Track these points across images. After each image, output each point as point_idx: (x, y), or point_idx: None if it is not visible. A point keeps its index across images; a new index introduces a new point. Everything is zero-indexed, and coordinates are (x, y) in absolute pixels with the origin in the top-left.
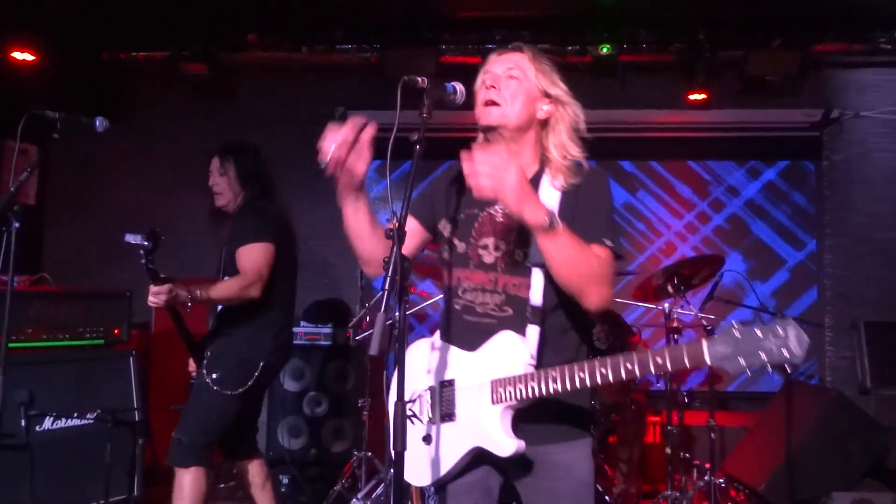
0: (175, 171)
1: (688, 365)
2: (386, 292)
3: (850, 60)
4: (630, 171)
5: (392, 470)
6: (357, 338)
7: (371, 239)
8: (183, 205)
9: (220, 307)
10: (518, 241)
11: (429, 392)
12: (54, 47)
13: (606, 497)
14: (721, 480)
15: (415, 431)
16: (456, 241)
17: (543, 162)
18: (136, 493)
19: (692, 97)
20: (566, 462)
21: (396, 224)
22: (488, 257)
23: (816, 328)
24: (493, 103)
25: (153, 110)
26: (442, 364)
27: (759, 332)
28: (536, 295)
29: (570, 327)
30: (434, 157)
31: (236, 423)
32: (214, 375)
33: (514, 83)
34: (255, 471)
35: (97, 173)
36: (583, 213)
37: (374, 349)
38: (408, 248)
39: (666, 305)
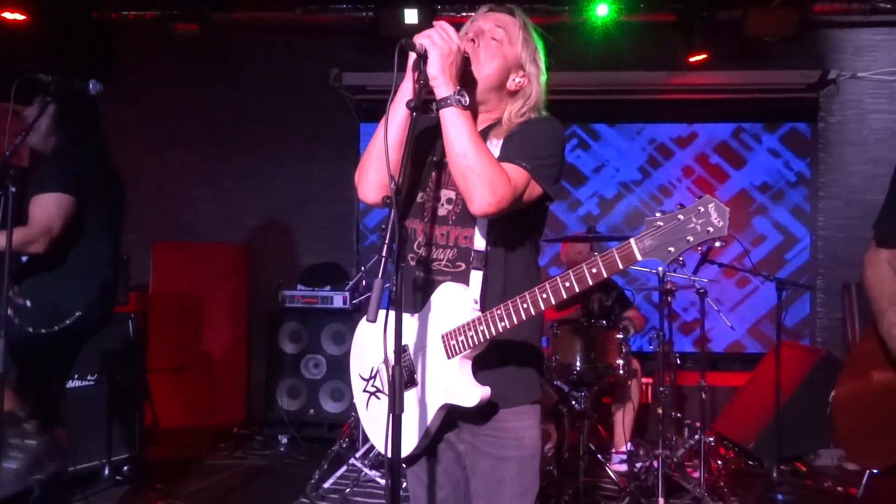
0: (168, 133)
1: (621, 266)
2: (384, 258)
3: (848, 20)
4: (634, 132)
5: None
6: (354, 301)
7: (395, 150)
8: (177, 168)
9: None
10: None
11: (384, 364)
12: (45, 7)
13: (599, 456)
14: (711, 439)
15: (381, 406)
16: (416, 191)
17: (500, 119)
18: (136, 452)
19: (693, 59)
20: (515, 429)
21: (393, 190)
22: (441, 210)
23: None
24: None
25: (145, 71)
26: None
27: (681, 217)
28: (479, 240)
29: (518, 270)
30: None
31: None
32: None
33: (494, 44)
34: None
35: None
36: (511, 143)
37: (371, 315)
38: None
39: (659, 269)
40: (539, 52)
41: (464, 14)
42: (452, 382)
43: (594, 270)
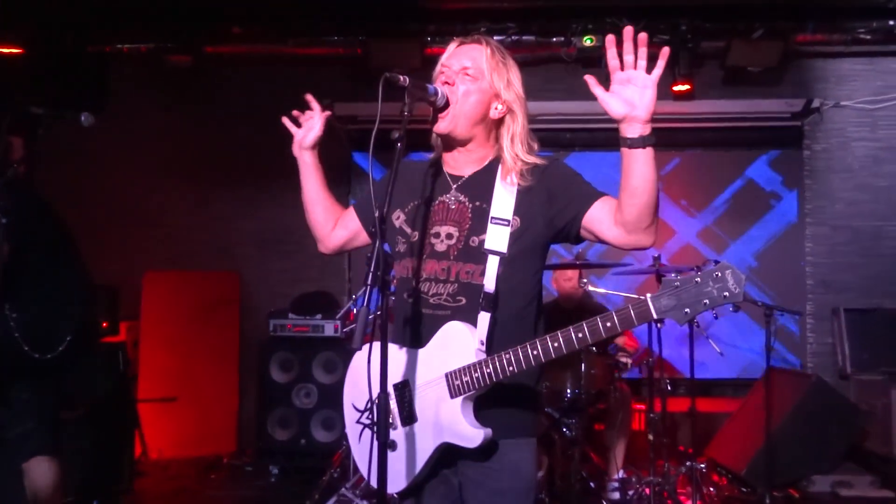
0: (161, 163)
1: (636, 323)
2: (368, 286)
3: (830, 51)
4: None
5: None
6: (345, 329)
7: (320, 205)
8: (169, 197)
9: None
10: (473, 227)
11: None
12: (40, 40)
13: (591, 483)
14: (703, 465)
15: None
16: (409, 230)
17: (498, 159)
18: (125, 484)
19: (676, 88)
20: (513, 461)
21: (378, 218)
22: (440, 246)
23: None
24: (445, 107)
25: (139, 102)
26: (395, 367)
27: (698, 280)
28: (490, 281)
29: (523, 314)
30: (418, 148)
31: None
32: None
33: (468, 80)
34: None
35: (83, 166)
36: (567, 188)
37: (356, 343)
38: (334, 240)
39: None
40: (514, 76)
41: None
42: (454, 422)
43: (608, 325)
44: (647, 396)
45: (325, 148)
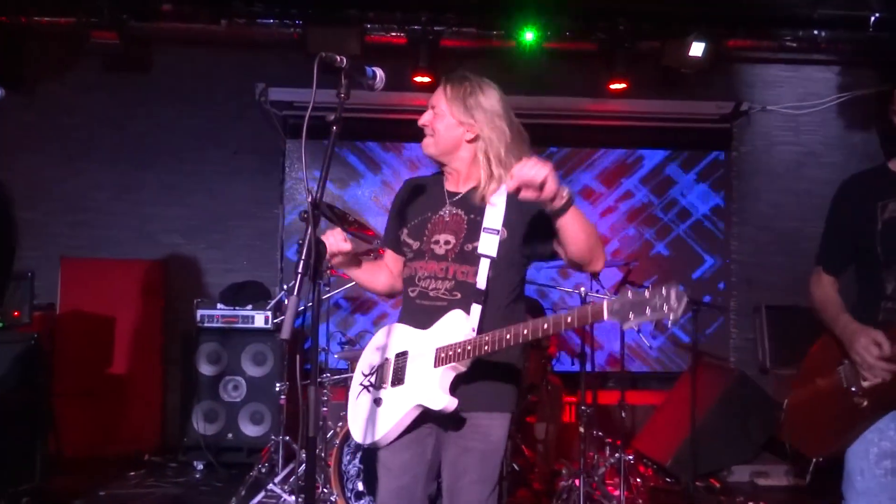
0: (82, 146)
1: (590, 320)
2: (300, 275)
3: (759, 56)
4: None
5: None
6: (276, 320)
7: (377, 282)
8: (91, 181)
9: None
10: (468, 236)
11: (386, 363)
12: None
13: (524, 476)
14: (630, 457)
15: (369, 397)
16: (412, 242)
17: (489, 176)
18: (37, 482)
19: (613, 86)
20: (485, 427)
21: (311, 204)
22: (440, 250)
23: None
24: (427, 136)
25: (58, 80)
26: (398, 340)
27: (647, 294)
28: (482, 280)
29: (509, 307)
30: (354, 137)
31: None
32: None
33: (436, 119)
34: None
35: None
36: (542, 216)
37: (285, 333)
38: (397, 285)
39: (581, 289)
40: (479, 102)
41: (393, 34)
42: (430, 386)
43: (569, 320)
44: (579, 389)
45: (258, 134)
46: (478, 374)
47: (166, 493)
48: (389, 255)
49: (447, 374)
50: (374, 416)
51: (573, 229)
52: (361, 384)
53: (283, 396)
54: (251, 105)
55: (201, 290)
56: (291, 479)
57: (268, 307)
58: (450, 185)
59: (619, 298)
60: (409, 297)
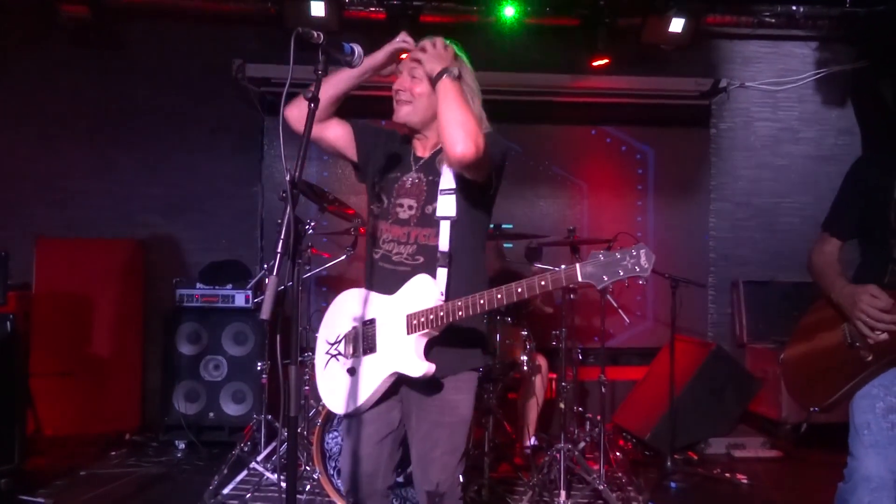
0: (54, 123)
1: (564, 283)
2: (279, 255)
3: (738, 32)
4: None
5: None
6: (256, 300)
7: (339, 95)
8: (64, 160)
9: None
10: (428, 198)
11: (353, 331)
12: None
13: (506, 451)
14: (610, 431)
15: (340, 366)
16: (383, 196)
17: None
18: (16, 462)
19: (595, 63)
20: (453, 402)
21: (290, 183)
22: (404, 214)
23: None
24: (404, 102)
25: (27, 55)
26: (365, 307)
27: (618, 255)
28: (444, 242)
29: (473, 268)
30: (337, 114)
31: None
32: None
33: (417, 83)
34: None
35: None
36: None
37: (265, 313)
38: (326, 131)
39: (577, 264)
40: (460, 64)
41: (372, 9)
42: (406, 353)
43: (542, 283)
44: (560, 365)
45: (235, 111)
46: (444, 337)
47: (148, 473)
48: (347, 132)
49: (420, 340)
50: (351, 386)
51: (442, 102)
52: (329, 353)
53: (264, 375)
54: (228, 81)
55: (180, 270)
56: (274, 458)
57: (248, 286)
58: (417, 150)
59: (591, 261)
60: (372, 258)
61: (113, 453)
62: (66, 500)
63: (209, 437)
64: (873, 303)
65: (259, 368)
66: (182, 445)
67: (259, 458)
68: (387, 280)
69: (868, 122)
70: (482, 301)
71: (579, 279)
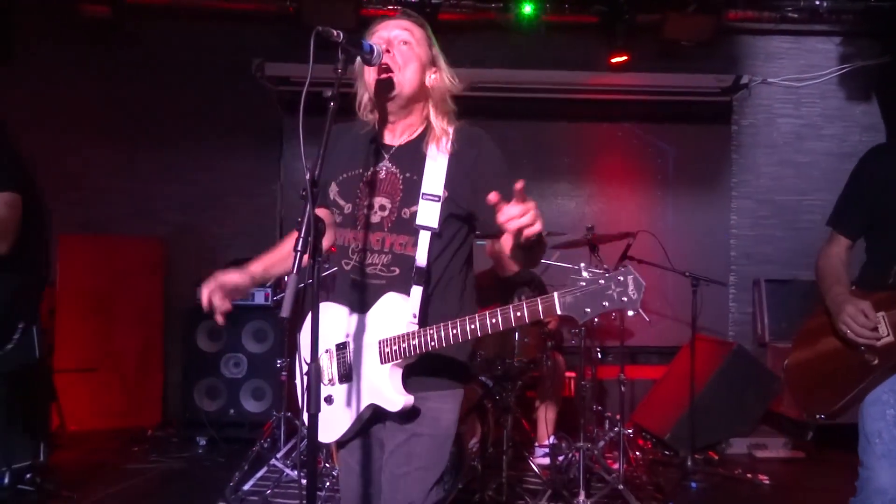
0: (75, 122)
1: (542, 316)
2: (298, 253)
3: (760, 28)
4: (553, 131)
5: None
6: (276, 297)
7: (284, 263)
8: (86, 158)
9: None
10: (405, 199)
11: (327, 354)
12: None
13: (523, 450)
14: (629, 430)
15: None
16: (342, 202)
17: (427, 126)
18: (41, 457)
19: (614, 60)
20: (435, 410)
21: (309, 182)
22: (375, 217)
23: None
24: (388, 70)
25: (49, 54)
26: (338, 326)
27: (602, 282)
28: (422, 256)
29: (457, 288)
30: (351, 113)
31: None
32: None
33: (406, 48)
34: None
35: None
36: (482, 176)
37: (285, 311)
38: (330, 235)
39: (582, 265)
40: (439, 50)
41: (390, 7)
42: (382, 386)
43: (518, 314)
44: (579, 364)
45: (255, 110)
46: (426, 356)
47: (169, 468)
48: (325, 213)
49: (396, 370)
50: (329, 416)
51: (529, 252)
52: (306, 374)
53: (284, 373)
54: (247, 80)
55: (201, 267)
56: (293, 455)
57: (268, 284)
58: (385, 138)
59: (570, 290)
60: (343, 269)
61: (135, 449)
62: (89, 494)
63: (229, 434)
64: (857, 318)
65: (279, 366)
66: (203, 441)
67: (279, 455)
68: (360, 295)
69: (894, 118)
70: (455, 331)
71: (559, 312)
